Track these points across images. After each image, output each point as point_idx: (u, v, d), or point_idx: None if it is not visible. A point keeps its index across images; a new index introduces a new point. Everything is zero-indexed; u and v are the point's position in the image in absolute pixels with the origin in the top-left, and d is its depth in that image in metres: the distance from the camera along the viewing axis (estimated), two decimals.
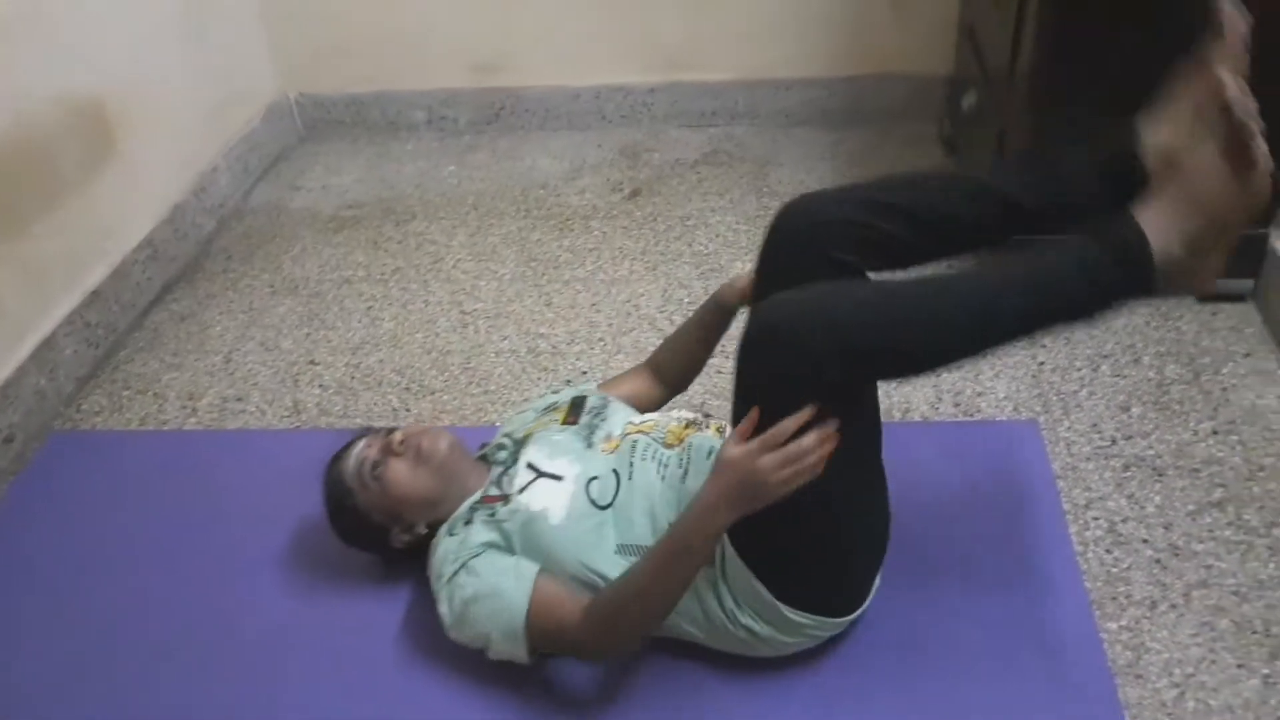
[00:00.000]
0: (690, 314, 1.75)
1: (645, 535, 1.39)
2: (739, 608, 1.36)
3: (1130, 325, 2.03)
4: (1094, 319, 1.25)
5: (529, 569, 1.39)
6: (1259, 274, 2.00)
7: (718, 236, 2.46)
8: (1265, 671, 1.40)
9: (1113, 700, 1.38)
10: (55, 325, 2.13)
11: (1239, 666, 1.41)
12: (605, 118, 2.99)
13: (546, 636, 1.37)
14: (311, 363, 2.19)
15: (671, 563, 1.30)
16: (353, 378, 2.13)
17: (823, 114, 2.91)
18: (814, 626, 1.38)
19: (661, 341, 1.78)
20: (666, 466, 1.44)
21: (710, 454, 1.43)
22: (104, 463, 1.97)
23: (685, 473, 1.42)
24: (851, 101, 2.88)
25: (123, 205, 2.37)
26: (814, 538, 1.33)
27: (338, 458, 1.56)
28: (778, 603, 1.34)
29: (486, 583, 1.38)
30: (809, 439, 1.21)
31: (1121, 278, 1.20)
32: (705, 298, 2.22)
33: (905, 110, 2.87)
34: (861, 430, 1.32)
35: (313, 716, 1.47)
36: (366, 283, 2.43)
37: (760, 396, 1.25)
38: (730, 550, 1.34)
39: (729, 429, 1.52)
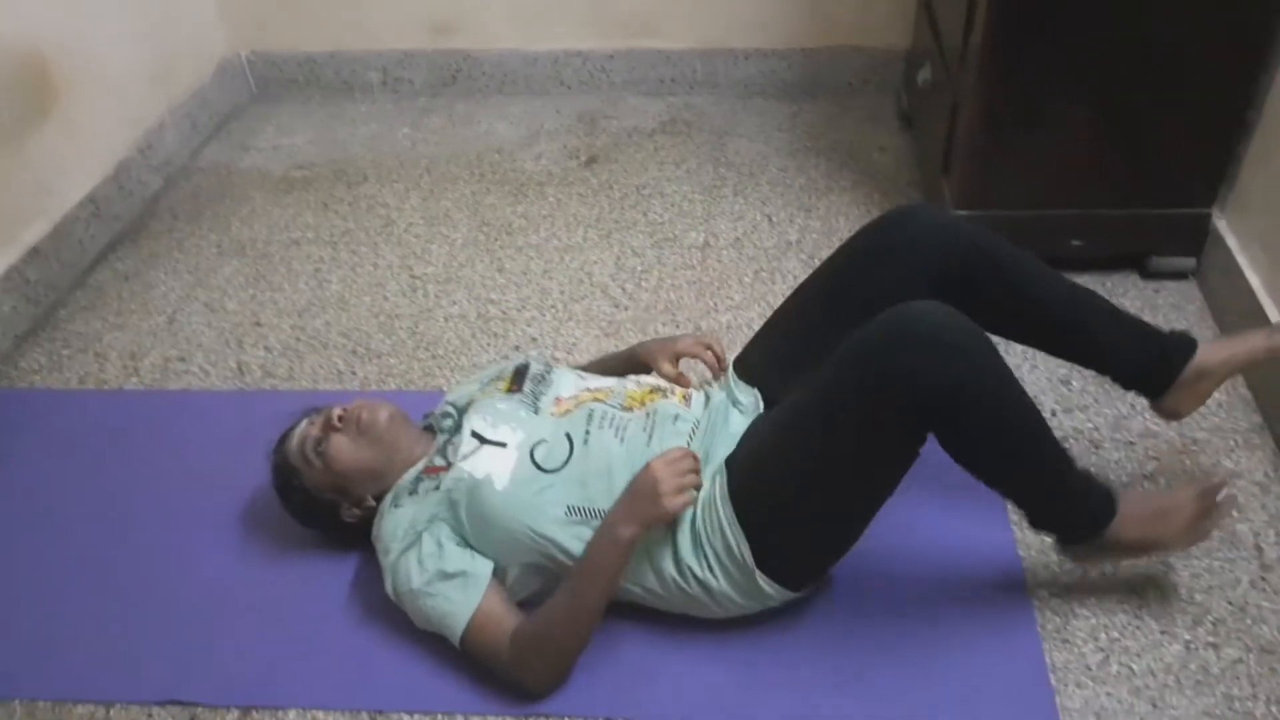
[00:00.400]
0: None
1: (600, 497, 1.39)
2: (703, 565, 1.37)
3: None
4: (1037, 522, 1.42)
5: (480, 576, 1.39)
6: (1201, 253, 2.03)
7: (673, 206, 2.46)
8: (1187, 637, 1.44)
9: (1039, 663, 1.41)
10: None
11: (1163, 632, 1.45)
12: (563, 83, 2.97)
13: (481, 652, 1.39)
14: (257, 324, 2.16)
15: (585, 583, 1.35)
16: (298, 340, 2.11)
17: (781, 85, 2.90)
18: (774, 596, 1.40)
19: (590, 361, 1.80)
20: (626, 429, 1.44)
21: (676, 419, 1.44)
22: (42, 421, 1.93)
23: (650, 436, 1.42)
24: (810, 73, 2.88)
25: (63, 161, 2.31)
26: (818, 524, 1.37)
27: (283, 439, 1.55)
28: (755, 569, 1.35)
29: (431, 583, 1.39)
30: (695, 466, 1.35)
31: (1080, 522, 1.38)
32: (658, 266, 2.25)
33: (864, 83, 2.87)
34: (904, 460, 1.32)
35: (257, 673, 1.46)
36: (315, 244, 2.40)
37: (845, 391, 1.27)
38: (726, 511, 1.35)
39: (695, 397, 1.52)
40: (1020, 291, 1.45)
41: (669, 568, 1.39)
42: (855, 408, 1.27)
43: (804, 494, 1.33)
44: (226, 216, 2.53)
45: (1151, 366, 1.46)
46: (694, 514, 1.38)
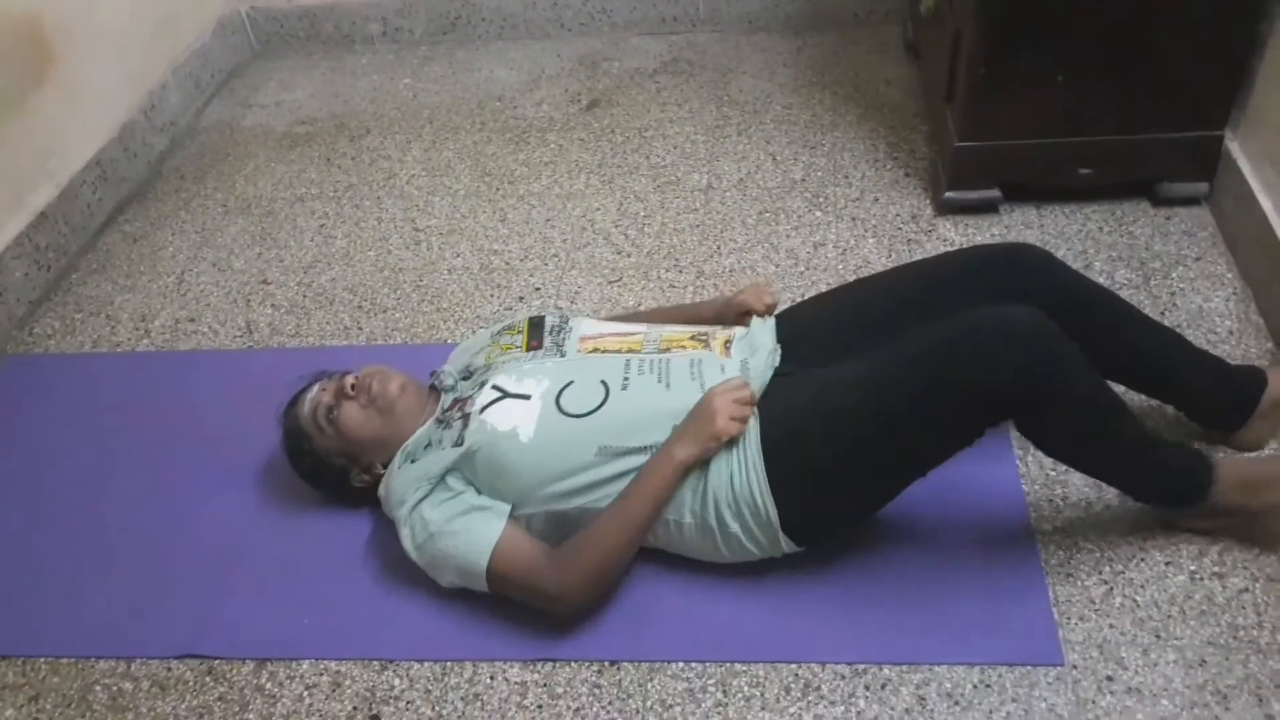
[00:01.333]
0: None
1: (640, 436, 1.39)
2: (729, 507, 1.37)
3: (1085, 230, 2.02)
4: (1148, 499, 1.47)
5: (500, 509, 1.40)
6: (1213, 178, 1.98)
7: (675, 148, 2.43)
8: (1192, 568, 1.44)
9: (1043, 597, 1.41)
10: (3, 248, 2.11)
11: (1167, 564, 1.45)
12: (564, 25, 2.92)
13: (509, 581, 1.39)
14: (264, 282, 2.17)
15: (636, 497, 1.36)
16: (305, 296, 2.12)
17: (785, 19, 2.84)
18: (781, 549, 1.41)
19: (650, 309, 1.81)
20: (669, 375, 1.44)
21: (723, 370, 1.44)
22: (57, 385, 1.97)
23: (702, 386, 1.42)
24: (814, 6, 2.82)
25: (66, 125, 2.32)
26: (851, 494, 1.39)
27: (293, 403, 1.57)
28: (778, 525, 1.37)
29: (452, 520, 1.40)
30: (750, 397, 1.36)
31: (1180, 493, 1.43)
32: (661, 210, 2.23)
33: (869, 14, 2.80)
34: (952, 448, 1.36)
35: (271, 627, 1.50)
36: (319, 200, 2.40)
37: (921, 379, 1.31)
38: (758, 465, 1.36)
39: (736, 342, 1.51)
40: (1118, 339, 1.50)
41: (693, 500, 1.39)
42: (930, 396, 1.31)
43: (849, 467, 1.35)
44: (231, 175, 2.53)
45: (1230, 409, 1.54)
46: (732, 456, 1.38)
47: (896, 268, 1.64)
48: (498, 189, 2.36)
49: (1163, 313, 1.81)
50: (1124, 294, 1.86)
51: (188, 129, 2.74)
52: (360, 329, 2.02)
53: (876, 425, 1.34)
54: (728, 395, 1.36)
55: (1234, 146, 1.92)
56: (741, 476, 1.36)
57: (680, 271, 2.07)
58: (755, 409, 1.39)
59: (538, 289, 2.06)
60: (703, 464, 1.38)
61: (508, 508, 1.41)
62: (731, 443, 1.37)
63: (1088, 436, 1.35)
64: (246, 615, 1.52)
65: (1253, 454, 1.55)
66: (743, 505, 1.37)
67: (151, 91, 2.62)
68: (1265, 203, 1.79)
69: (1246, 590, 1.40)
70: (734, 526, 1.38)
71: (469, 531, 1.39)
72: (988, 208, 2.09)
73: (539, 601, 1.41)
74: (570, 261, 2.12)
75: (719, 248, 2.11)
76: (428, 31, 2.98)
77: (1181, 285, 1.87)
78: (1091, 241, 1.99)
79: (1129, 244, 1.98)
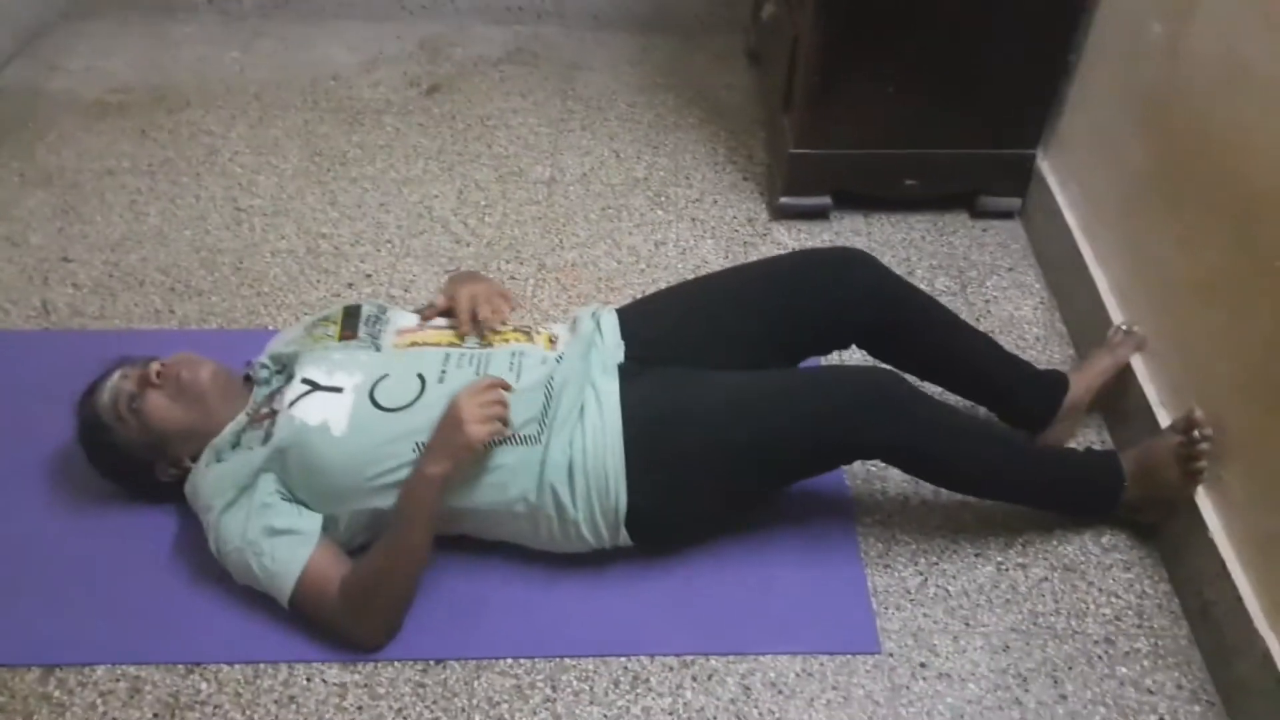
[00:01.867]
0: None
1: None
2: (570, 492, 1.35)
3: (909, 239, 2.11)
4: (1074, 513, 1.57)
5: (309, 533, 1.34)
6: (1025, 193, 2.11)
7: (519, 139, 2.39)
8: (999, 559, 1.52)
9: (862, 588, 1.46)
10: None
11: (977, 555, 1.52)
12: (405, 8, 2.83)
13: (311, 611, 1.35)
14: (65, 259, 2.00)
15: (404, 525, 1.32)
16: (111, 276, 1.97)
17: (631, 18, 2.85)
18: (617, 543, 1.41)
19: None
20: (488, 366, 1.40)
21: (544, 362, 1.41)
22: None
23: (518, 376, 1.39)
24: (660, 6, 2.83)
25: None
26: (705, 504, 1.42)
27: (91, 391, 1.45)
28: (622, 520, 1.37)
29: (258, 540, 1.33)
30: (501, 396, 1.33)
31: (1099, 499, 1.54)
32: (503, 201, 2.20)
33: (713, 20, 2.84)
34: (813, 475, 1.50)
35: (61, 630, 1.38)
36: (131, 174, 2.23)
37: (799, 431, 1.38)
38: (616, 458, 1.34)
39: (562, 338, 1.48)
40: (936, 342, 1.60)
41: (528, 485, 1.35)
42: (810, 447, 1.39)
43: (712, 474, 1.38)
44: (30, 143, 2.33)
45: (1037, 410, 1.63)
46: (582, 441, 1.35)
47: (734, 269, 1.67)
48: (329, 170, 2.26)
49: (978, 319, 1.92)
50: (943, 300, 1.94)
51: None
52: (173, 312, 1.89)
53: (752, 444, 1.37)
54: (474, 399, 1.31)
55: (1044, 165, 2.05)
56: (595, 461, 1.34)
57: (521, 264, 2.04)
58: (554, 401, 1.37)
59: (369, 275, 1.99)
60: (539, 454, 1.35)
61: (318, 526, 1.35)
62: (566, 429, 1.35)
63: (975, 475, 1.47)
64: (33, 619, 1.39)
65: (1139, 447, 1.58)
66: (592, 488, 1.35)
67: None
68: (1070, 218, 1.92)
69: (1046, 579, 1.49)
70: (577, 513, 1.36)
71: (274, 559, 1.33)
72: (819, 214, 2.15)
73: (340, 634, 1.37)
74: (405, 249, 2.06)
75: (561, 241, 2.09)
76: (258, 4, 2.83)
77: (995, 294, 1.98)
78: (915, 250, 2.08)
79: (949, 253, 2.08)
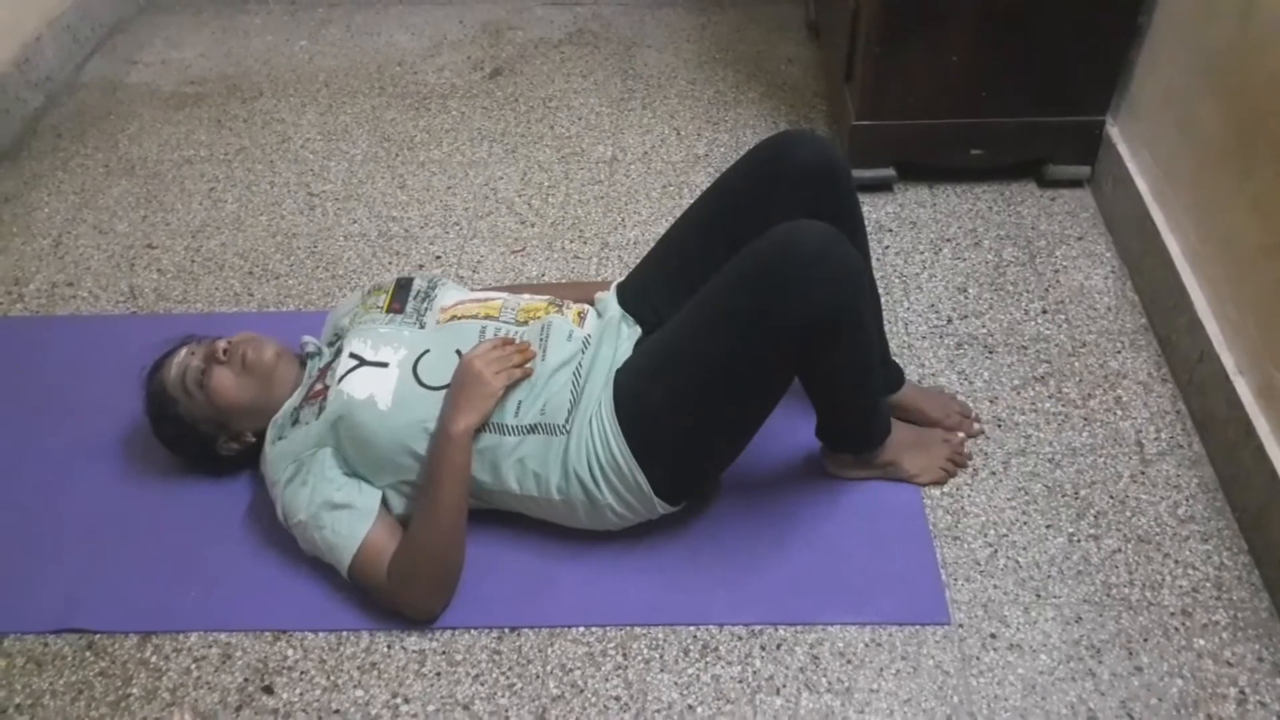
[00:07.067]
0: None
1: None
2: (591, 474, 1.37)
3: (975, 210, 2.09)
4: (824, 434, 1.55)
5: (366, 509, 1.38)
6: (1095, 161, 2.07)
7: (580, 119, 2.41)
8: (1070, 530, 1.51)
9: (931, 560, 1.46)
10: None
11: (1048, 526, 1.51)
12: None
13: (366, 584, 1.39)
14: (149, 246, 2.08)
15: (435, 488, 1.35)
16: (193, 261, 2.04)
17: None
18: (654, 508, 1.41)
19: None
20: (520, 339, 1.43)
21: (570, 336, 1.44)
22: None
23: (545, 351, 1.42)
24: None
25: None
26: (699, 436, 1.38)
27: (158, 366, 1.51)
28: (642, 478, 1.36)
29: (319, 513, 1.37)
30: (517, 345, 1.39)
31: (863, 438, 1.53)
32: (565, 181, 2.22)
33: None
34: (783, 381, 1.36)
35: (153, 598, 1.45)
36: (209, 163, 2.31)
37: (732, 308, 1.30)
38: (611, 423, 1.35)
39: (590, 313, 1.51)
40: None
41: (556, 476, 1.39)
42: (742, 324, 1.29)
43: (685, 407, 1.34)
44: (114, 135, 2.42)
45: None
46: (588, 424, 1.38)
47: (699, 196, 1.60)
48: (397, 155, 2.31)
49: (1047, 289, 1.89)
50: (1011, 271, 1.94)
51: (66, 85, 2.60)
52: (251, 295, 1.95)
53: (702, 367, 1.33)
54: (483, 356, 1.37)
55: (1114, 132, 2.01)
56: (603, 446, 1.36)
57: (585, 243, 2.06)
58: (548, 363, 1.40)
59: (438, 257, 2.03)
60: (564, 443, 1.37)
61: (376, 502, 1.40)
62: (586, 416, 1.37)
63: (861, 366, 1.40)
64: (127, 588, 1.46)
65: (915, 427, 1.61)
66: (610, 474, 1.37)
67: (25, 44, 2.48)
68: (1141, 185, 1.88)
69: (1119, 551, 1.48)
70: (605, 498, 1.38)
71: (335, 532, 1.37)
72: (883, 186, 2.14)
73: (393, 608, 1.40)
74: (472, 230, 2.09)
75: (623, 220, 2.11)
76: None
77: (1065, 263, 1.95)
78: (981, 220, 2.06)
79: (1016, 223, 2.05)
